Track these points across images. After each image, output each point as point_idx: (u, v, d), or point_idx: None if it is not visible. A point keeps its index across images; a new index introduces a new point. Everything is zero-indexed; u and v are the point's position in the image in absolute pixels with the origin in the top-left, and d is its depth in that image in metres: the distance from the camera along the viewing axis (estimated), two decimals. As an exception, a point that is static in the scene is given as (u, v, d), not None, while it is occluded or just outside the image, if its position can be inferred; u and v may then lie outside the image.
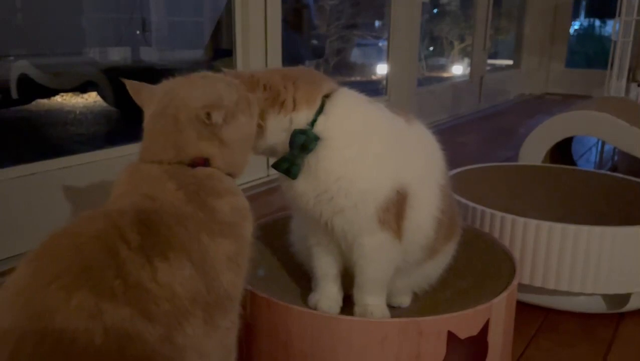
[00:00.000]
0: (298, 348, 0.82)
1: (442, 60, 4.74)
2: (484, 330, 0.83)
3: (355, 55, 4.51)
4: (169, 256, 0.59)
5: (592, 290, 1.15)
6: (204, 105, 0.68)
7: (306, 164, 0.80)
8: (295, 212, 0.92)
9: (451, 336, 0.80)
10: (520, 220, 1.17)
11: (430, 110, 3.28)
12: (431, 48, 4.64)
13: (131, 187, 0.67)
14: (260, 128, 0.80)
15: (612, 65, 2.46)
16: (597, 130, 1.83)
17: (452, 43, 4.66)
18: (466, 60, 4.11)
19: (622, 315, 1.21)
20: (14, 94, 2.32)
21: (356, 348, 0.78)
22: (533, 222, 1.15)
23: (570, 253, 1.13)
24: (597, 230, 1.12)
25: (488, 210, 1.22)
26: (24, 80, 2.30)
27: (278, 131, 0.81)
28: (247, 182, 1.86)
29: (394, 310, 0.91)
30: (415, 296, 0.98)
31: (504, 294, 0.87)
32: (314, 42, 4.03)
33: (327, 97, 0.82)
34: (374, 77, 4.29)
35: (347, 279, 0.89)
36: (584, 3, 5.37)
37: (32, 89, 2.36)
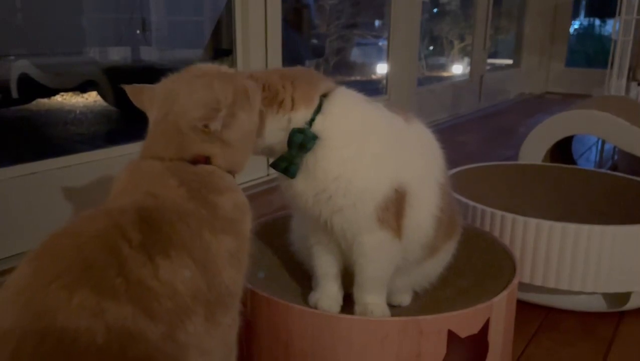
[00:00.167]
0: (298, 347, 0.82)
1: (442, 60, 4.74)
2: (485, 328, 0.83)
3: (355, 54, 4.51)
4: (170, 254, 0.59)
5: (592, 288, 1.15)
6: (201, 116, 0.68)
7: (304, 163, 0.80)
8: (295, 211, 0.92)
9: (451, 335, 0.80)
10: (521, 219, 1.17)
11: (430, 109, 3.28)
12: (431, 47, 4.64)
13: (132, 185, 0.67)
14: (259, 125, 0.80)
15: (612, 64, 2.46)
16: (597, 129, 1.83)
17: (452, 42, 4.66)
18: (466, 60, 4.11)
19: (623, 314, 1.21)
20: (15, 94, 2.32)
21: (356, 347, 0.79)
22: (533, 221, 1.15)
23: (570, 252, 1.13)
24: (598, 229, 1.12)
25: (488, 209, 1.22)
26: (25, 80, 2.30)
27: (276, 131, 0.81)
28: (247, 181, 1.86)
29: (394, 308, 0.91)
30: (416, 295, 0.98)
31: (505, 293, 0.87)
32: (314, 41, 4.03)
33: (325, 96, 0.82)
34: (374, 77, 4.29)
35: (347, 278, 0.89)
36: (584, 2, 5.37)
37: (32, 88, 2.37)
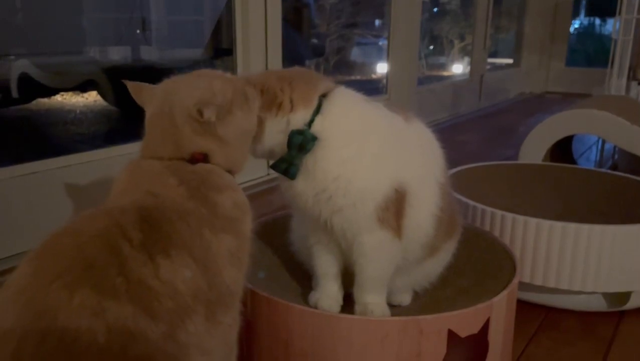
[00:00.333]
0: (298, 346, 0.82)
1: (442, 59, 4.74)
2: (485, 328, 0.84)
3: (356, 54, 4.51)
4: (171, 253, 0.59)
5: (592, 288, 1.16)
6: (196, 102, 0.69)
7: (304, 164, 0.80)
8: (295, 211, 0.92)
9: (452, 334, 0.80)
10: (521, 218, 1.17)
11: (431, 109, 3.28)
12: (431, 47, 4.64)
13: (132, 184, 0.68)
14: (258, 130, 0.80)
15: (612, 63, 2.46)
16: (597, 129, 1.83)
17: (452, 42, 4.66)
18: (466, 59, 4.11)
19: (623, 313, 1.21)
20: (15, 93, 2.32)
21: (356, 346, 0.79)
22: (533, 221, 1.15)
23: (570, 251, 1.13)
24: (598, 228, 1.12)
25: (488, 209, 1.22)
26: (25, 79, 2.30)
27: (276, 133, 0.81)
28: (248, 181, 1.86)
29: (394, 308, 0.91)
30: (416, 295, 0.98)
31: (505, 292, 0.87)
32: (314, 41, 4.03)
33: (324, 96, 0.82)
34: (374, 76, 4.29)
35: (348, 278, 0.89)
36: (584, 1, 5.37)
37: (32, 88, 2.36)
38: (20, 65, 2.32)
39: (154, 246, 0.59)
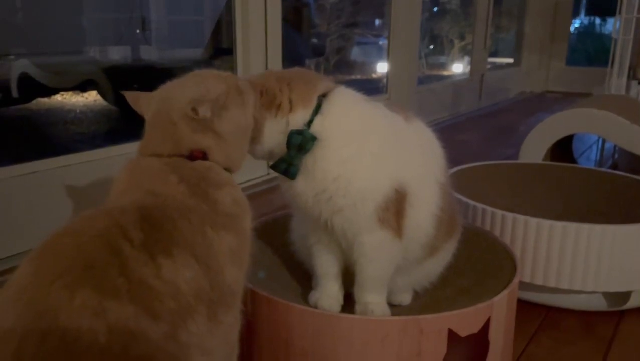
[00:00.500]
0: (299, 346, 0.82)
1: (442, 59, 4.74)
2: (485, 328, 0.84)
3: (356, 53, 4.51)
4: (172, 252, 0.59)
5: (592, 288, 1.16)
6: (189, 101, 0.69)
7: (304, 164, 0.80)
8: (295, 211, 0.92)
9: (452, 334, 0.80)
10: (521, 218, 1.17)
11: (431, 108, 3.28)
12: (431, 46, 4.64)
13: (132, 183, 0.68)
14: (258, 131, 0.80)
15: (612, 62, 2.46)
16: (597, 128, 1.83)
17: (452, 41, 4.66)
18: (466, 59, 4.11)
19: (623, 313, 1.21)
20: (15, 93, 2.32)
21: (357, 346, 0.79)
22: (534, 220, 1.15)
23: (571, 251, 1.13)
24: (598, 228, 1.12)
25: (489, 208, 1.22)
26: (25, 79, 2.31)
27: (275, 134, 0.81)
28: (248, 181, 1.86)
29: (395, 308, 0.91)
30: (416, 295, 0.98)
31: (505, 292, 0.87)
32: (314, 40, 4.03)
33: (323, 96, 0.82)
34: (374, 76, 4.29)
35: (348, 277, 0.89)
36: (584, 1, 5.37)
37: (32, 87, 2.37)
38: (20, 65, 2.32)
39: (155, 246, 0.59)
